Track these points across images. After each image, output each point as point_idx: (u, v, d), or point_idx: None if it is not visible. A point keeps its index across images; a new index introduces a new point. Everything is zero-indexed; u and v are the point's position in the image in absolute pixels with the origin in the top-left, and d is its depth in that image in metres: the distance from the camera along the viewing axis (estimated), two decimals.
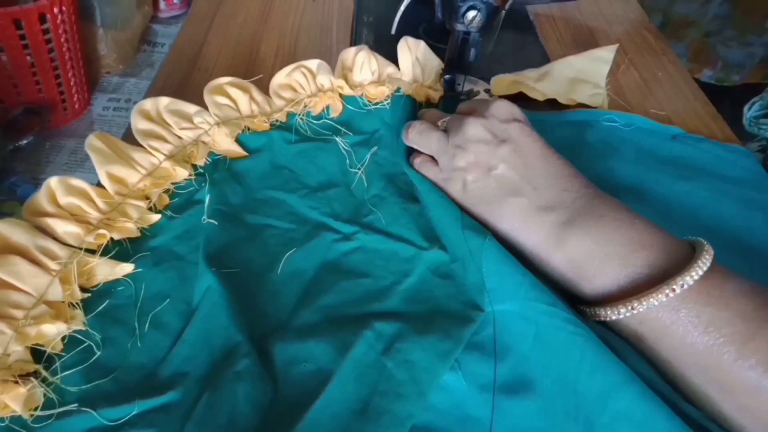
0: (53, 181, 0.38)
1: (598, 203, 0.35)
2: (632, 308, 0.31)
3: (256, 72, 0.56)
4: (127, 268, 0.37)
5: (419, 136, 0.43)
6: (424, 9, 0.56)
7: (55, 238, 0.36)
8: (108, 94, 1.53)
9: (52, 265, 0.35)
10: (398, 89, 0.49)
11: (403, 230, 0.41)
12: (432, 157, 0.42)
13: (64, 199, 0.38)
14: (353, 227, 0.41)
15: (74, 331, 0.34)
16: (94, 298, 0.36)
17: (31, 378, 0.31)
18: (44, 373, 0.32)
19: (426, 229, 0.41)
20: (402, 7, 0.54)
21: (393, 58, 0.52)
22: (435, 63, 0.53)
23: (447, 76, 0.53)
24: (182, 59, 0.57)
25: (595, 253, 0.33)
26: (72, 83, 1.38)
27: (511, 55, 0.63)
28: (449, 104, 0.51)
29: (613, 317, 0.32)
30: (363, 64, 0.49)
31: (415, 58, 0.51)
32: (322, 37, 0.62)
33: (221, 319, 0.34)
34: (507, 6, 0.48)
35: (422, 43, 0.51)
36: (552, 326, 0.32)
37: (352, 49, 0.50)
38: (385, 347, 0.33)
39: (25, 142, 1.32)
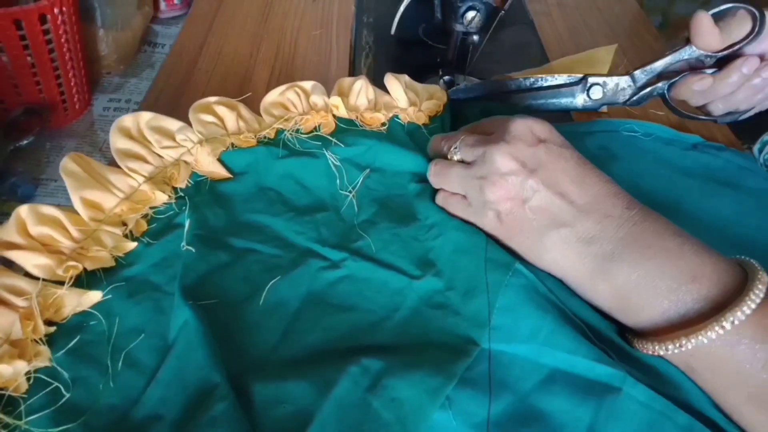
0: (23, 210, 0.36)
1: (643, 229, 0.33)
2: (680, 345, 0.30)
3: (256, 72, 0.57)
4: (95, 297, 0.35)
5: (438, 178, 0.41)
6: (424, 9, 0.56)
7: (25, 272, 0.35)
8: (108, 94, 1.53)
9: (19, 302, 0.33)
10: (395, 116, 0.47)
11: (394, 257, 0.38)
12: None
13: (34, 229, 0.36)
14: (341, 253, 0.38)
15: (40, 370, 0.31)
16: (64, 333, 0.33)
17: None
18: (5, 418, 0.29)
19: (419, 255, 0.38)
20: (402, 7, 0.54)
21: (393, 58, 0.52)
22: (425, 87, 0.49)
23: (447, 77, 0.53)
24: (182, 60, 0.57)
25: (643, 287, 0.31)
26: (72, 83, 1.38)
27: (511, 55, 0.63)
28: (454, 106, 0.50)
29: (661, 352, 0.31)
30: (360, 91, 0.47)
31: (404, 85, 0.48)
32: (322, 38, 0.62)
33: (198, 357, 0.32)
34: (506, 6, 0.48)
35: (406, 76, 0.49)
36: (568, 375, 0.31)
37: (349, 78, 0.48)
38: (371, 384, 0.31)
39: (25, 142, 1.32)
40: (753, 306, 0.28)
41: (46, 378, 0.31)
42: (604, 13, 0.70)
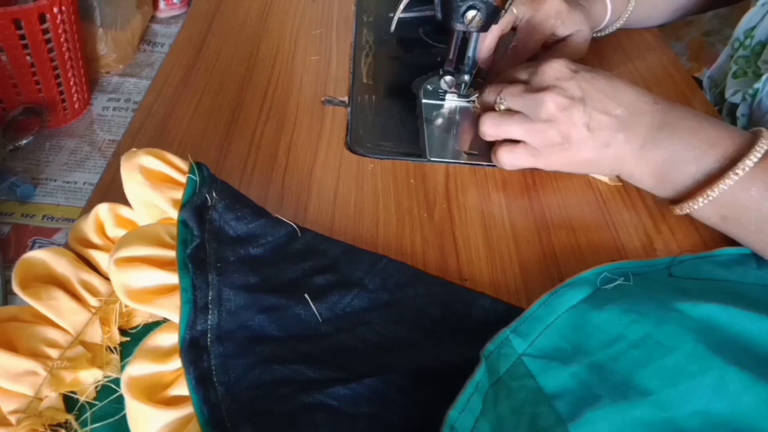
0: (102, 210, 0.36)
1: (670, 117, 0.42)
2: (707, 196, 0.39)
3: (255, 72, 0.57)
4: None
5: (497, 128, 0.46)
6: (424, 9, 0.56)
7: (98, 272, 0.35)
8: (108, 93, 1.53)
9: (93, 301, 0.34)
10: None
11: None
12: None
13: (112, 231, 0.36)
14: None
15: (109, 379, 0.32)
16: (132, 342, 0.34)
17: (60, 429, 0.30)
18: (75, 424, 0.30)
19: None
20: (401, 7, 0.54)
21: (393, 58, 0.52)
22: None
23: (447, 77, 0.53)
24: (182, 59, 0.57)
25: (676, 160, 0.41)
26: (72, 83, 1.38)
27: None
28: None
29: (695, 207, 0.40)
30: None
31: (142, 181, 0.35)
32: (322, 37, 0.62)
33: None
34: (507, 6, 0.48)
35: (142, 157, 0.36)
36: None
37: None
38: None
39: (24, 142, 1.32)
40: (759, 155, 0.37)
41: (112, 386, 0.31)
42: (603, 31, 0.70)
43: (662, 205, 0.46)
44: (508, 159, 0.46)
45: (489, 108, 0.48)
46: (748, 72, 0.56)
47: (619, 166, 0.44)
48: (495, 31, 0.53)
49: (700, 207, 0.40)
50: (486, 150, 0.50)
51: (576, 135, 0.43)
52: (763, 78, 0.52)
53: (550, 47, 0.55)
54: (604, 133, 0.43)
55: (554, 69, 0.44)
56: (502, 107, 0.46)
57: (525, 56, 0.54)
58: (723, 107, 0.59)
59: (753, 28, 0.56)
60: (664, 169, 0.42)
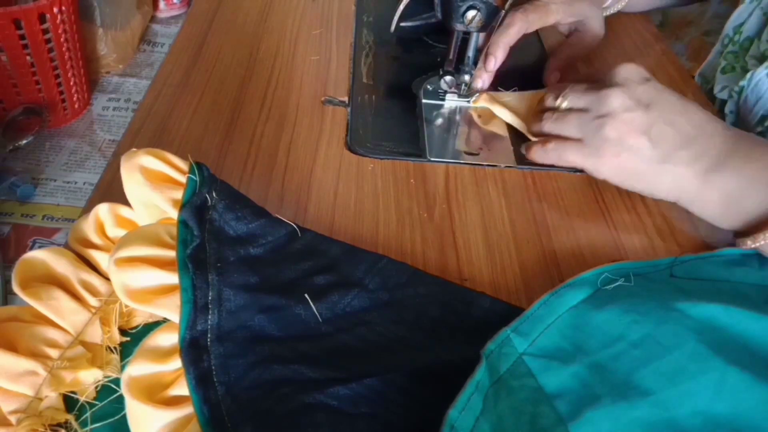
0: (102, 210, 0.36)
1: (741, 144, 0.40)
2: None
3: (255, 72, 0.57)
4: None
5: (557, 123, 0.45)
6: (424, 9, 0.56)
7: (98, 272, 0.35)
8: (108, 94, 1.53)
9: (93, 301, 0.34)
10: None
11: None
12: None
13: (112, 231, 0.36)
14: None
15: (109, 379, 0.32)
16: (132, 342, 0.34)
17: (60, 429, 0.30)
18: (75, 424, 0.30)
19: None
20: (401, 6, 0.54)
21: (393, 58, 0.52)
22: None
23: (447, 77, 0.53)
24: (182, 59, 0.57)
25: (747, 188, 0.38)
26: (72, 83, 1.38)
27: (511, 55, 0.63)
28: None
29: (763, 241, 0.37)
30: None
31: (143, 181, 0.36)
32: (322, 37, 0.62)
33: None
34: (507, 6, 0.48)
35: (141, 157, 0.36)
36: None
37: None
38: None
39: (24, 142, 1.32)
40: None
41: (112, 386, 0.32)
42: (604, 12, 0.70)
43: (662, 205, 0.46)
44: (556, 153, 0.44)
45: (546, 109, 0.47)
46: (736, 67, 0.56)
47: (679, 188, 0.41)
48: (514, 35, 0.51)
49: (765, 242, 0.37)
50: (486, 149, 0.50)
51: (632, 140, 0.40)
52: (748, 75, 0.52)
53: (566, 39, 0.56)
54: (666, 146, 0.40)
55: (627, 70, 0.42)
56: (564, 105, 0.45)
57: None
58: (714, 105, 0.59)
59: (741, 24, 0.57)
60: (734, 197, 0.39)
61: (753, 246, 0.38)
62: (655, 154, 0.40)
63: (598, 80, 0.44)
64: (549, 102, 0.47)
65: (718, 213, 0.40)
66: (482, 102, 0.54)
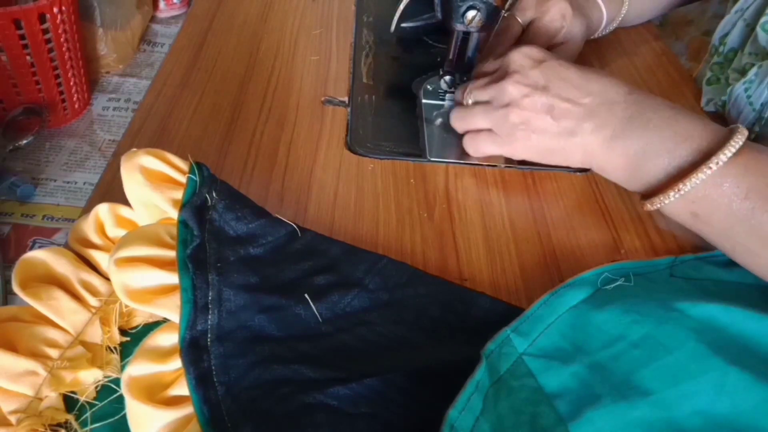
0: (102, 210, 0.36)
1: (643, 107, 0.41)
2: (679, 189, 0.37)
3: (255, 72, 0.57)
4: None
5: (463, 120, 0.46)
6: (424, 9, 0.56)
7: (98, 272, 0.35)
8: (108, 94, 1.53)
9: (93, 301, 0.34)
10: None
11: None
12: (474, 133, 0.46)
13: (112, 231, 0.36)
14: None
15: (109, 379, 0.32)
16: (132, 342, 0.34)
17: (60, 429, 0.30)
18: (75, 424, 0.30)
19: None
20: (401, 6, 0.54)
21: (393, 58, 0.52)
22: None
23: (447, 77, 0.53)
24: (182, 59, 0.57)
25: (648, 152, 0.40)
26: (72, 83, 1.38)
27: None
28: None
29: (666, 201, 0.38)
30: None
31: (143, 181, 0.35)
32: (322, 37, 0.62)
33: None
34: (507, 6, 0.48)
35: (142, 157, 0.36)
36: None
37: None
38: None
39: (24, 142, 1.32)
40: (733, 150, 0.36)
41: (112, 386, 0.32)
42: (598, 34, 0.70)
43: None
44: (472, 145, 0.47)
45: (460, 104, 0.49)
46: (720, 79, 0.56)
47: (588, 157, 0.43)
48: (507, 42, 0.53)
49: (671, 201, 0.38)
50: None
51: (537, 121, 0.42)
52: (729, 90, 0.51)
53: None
54: (569, 121, 0.42)
55: (519, 56, 0.43)
56: (470, 101, 0.47)
57: None
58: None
59: (726, 35, 0.56)
60: (636, 161, 0.40)
61: (651, 209, 0.40)
62: (561, 130, 0.42)
63: (494, 70, 0.46)
64: (457, 98, 0.49)
65: (624, 177, 0.42)
66: None
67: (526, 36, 0.54)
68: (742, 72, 0.52)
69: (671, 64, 0.62)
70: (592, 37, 0.61)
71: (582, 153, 0.43)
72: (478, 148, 0.47)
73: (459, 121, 0.48)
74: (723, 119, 0.54)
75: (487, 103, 0.45)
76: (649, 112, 0.41)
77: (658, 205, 0.39)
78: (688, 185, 0.37)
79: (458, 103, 0.49)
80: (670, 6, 0.66)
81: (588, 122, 0.41)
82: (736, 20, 0.54)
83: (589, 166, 0.44)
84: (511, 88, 0.43)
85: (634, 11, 0.60)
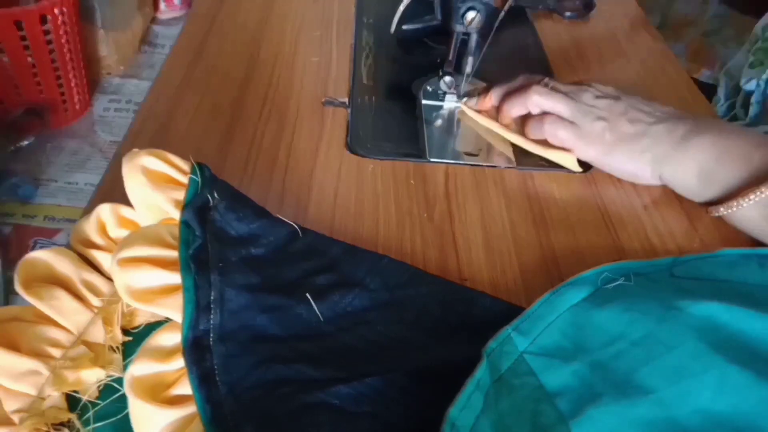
0: (104, 210, 0.36)
1: (711, 122, 0.44)
2: (761, 192, 0.38)
3: (256, 73, 0.57)
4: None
5: (546, 98, 0.47)
6: (424, 10, 0.56)
7: (100, 272, 0.35)
8: (109, 95, 1.53)
9: (95, 301, 0.34)
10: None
11: None
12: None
13: (114, 231, 0.36)
14: None
15: (112, 379, 0.32)
16: (134, 341, 0.34)
17: (63, 428, 0.30)
18: (77, 424, 0.30)
19: None
20: (401, 7, 0.54)
21: (393, 58, 0.52)
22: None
23: (447, 78, 0.53)
24: (183, 60, 0.58)
25: (722, 156, 0.41)
26: (73, 84, 1.38)
27: (510, 56, 0.63)
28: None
29: (744, 204, 0.39)
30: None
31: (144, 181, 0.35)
32: (322, 38, 0.62)
33: None
34: (506, 7, 0.48)
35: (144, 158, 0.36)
36: None
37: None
38: None
39: (25, 143, 1.33)
40: None
41: (115, 385, 0.32)
42: (602, 11, 0.70)
43: (663, 205, 0.46)
44: (551, 127, 0.47)
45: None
46: (765, 62, 0.60)
47: (660, 163, 0.44)
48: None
49: (748, 205, 0.39)
50: (486, 150, 0.50)
51: (613, 120, 0.45)
52: None
53: None
54: (641, 124, 0.44)
55: (594, 85, 0.48)
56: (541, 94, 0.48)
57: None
58: (737, 100, 0.62)
59: None
60: (710, 167, 0.41)
61: (725, 213, 0.41)
62: (634, 130, 0.44)
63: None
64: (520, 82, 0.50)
65: (695, 184, 0.43)
66: (466, 112, 0.54)
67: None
68: None
69: (671, 65, 0.62)
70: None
71: (652, 158, 0.44)
72: (556, 132, 0.47)
73: (542, 98, 0.47)
74: (763, 96, 0.60)
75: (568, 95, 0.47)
76: (718, 125, 0.43)
77: (734, 208, 0.40)
78: (766, 191, 0.38)
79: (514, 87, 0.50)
80: None
81: (660, 125, 0.44)
82: None
83: (660, 173, 0.44)
84: (587, 93, 0.46)
85: None
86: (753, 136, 0.42)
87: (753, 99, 0.59)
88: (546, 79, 0.49)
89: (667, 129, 0.43)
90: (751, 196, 0.39)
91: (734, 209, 0.40)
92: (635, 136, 0.44)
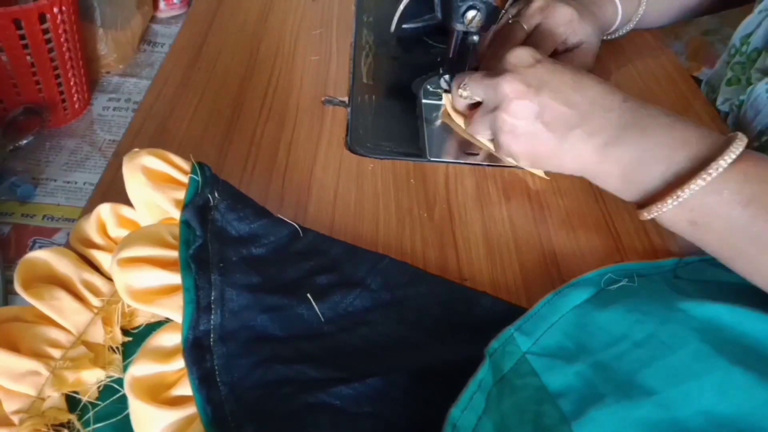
0: (104, 210, 0.36)
1: (639, 115, 0.39)
2: (677, 197, 0.36)
3: (256, 72, 0.57)
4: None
5: (473, 129, 0.46)
6: (424, 9, 0.56)
7: (100, 272, 0.35)
8: (108, 94, 1.53)
9: (95, 301, 0.34)
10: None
11: None
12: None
13: (114, 231, 0.36)
14: None
15: (112, 379, 0.32)
16: (134, 342, 0.34)
17: (63, 429, 0.30)
18: (77, 424, 0.30)
19: None
20: (401, 6, 0.54)
21: (393, 58, 0.52)
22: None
23: (446, 77, 0.53)
24: (182, 59, 0.57)
25: (644, 160, 0.38)
26: (72, 83, 1.38)
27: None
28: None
29: (664, 209, 0.37)
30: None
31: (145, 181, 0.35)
32: (322, 37, 0.62)
33: None
34: (507, 6, 0.48)
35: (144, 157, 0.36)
36: None
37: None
38: None
39: (25, 142, 1.32)
40: (733, 156, 0.35)
41: (115, 386, 0.32)
42: (612, 35, 0.70)
43: None
44: (502, 154, 0.46)
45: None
46: (741, 79, 0.55)
47: (580, 164, 0.41)
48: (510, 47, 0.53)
49: (668, 210, 0.37)
50: (486, 149, 0.50)
51: (527, 127, 0.41)
52: (748, 90, 0.51)
53: (559, 56, 0.54)
54: (561, 127, 0.40)
55: (516, 55, 0.42)
56: (464, 94, 0.46)
57: None
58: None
59: (750, 35, 0.55)
60: (631, 169, 0.39)
61: (648, 217, 0.38)
62: (552, 136, 0.41)
63: (492, 67, 0.45)
64: (454, 89, 0.48)
65: (618, 186, 0.41)
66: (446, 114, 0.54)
67: (530, 42, 0.53)
68: (766, 72, 0.52)
69: (670, 63, 0.62)
70: (609, 38, 0.61)
71: (573, 160, 0.42)
72: (507, 159, 0.46)
73: (472, 129, 0.47)
74: (736, 120, 0.54)
75: (482, 104, 0.45)
76: (645, 119, 0.39)
77: (655, 214, 0.38)
78: (686, 192, 0.36)
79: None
80: (688, 12, 0.63)
81: (580, 128, 0.40)
82: (761, 20, 0.54)
83: (581, 173, 0.42)
84: (504, 85, 0.41)
85: (651, 13, 0.59)
86: (681, 132, 0.38)
87: (728, 121, 0.55)
88: (465, 79, 0.46)
89: (588, 134, 0.40)
90: (669, 200, 0.36)
91: (656, 213, 0.38)
92: (552, 143, 0.41)
